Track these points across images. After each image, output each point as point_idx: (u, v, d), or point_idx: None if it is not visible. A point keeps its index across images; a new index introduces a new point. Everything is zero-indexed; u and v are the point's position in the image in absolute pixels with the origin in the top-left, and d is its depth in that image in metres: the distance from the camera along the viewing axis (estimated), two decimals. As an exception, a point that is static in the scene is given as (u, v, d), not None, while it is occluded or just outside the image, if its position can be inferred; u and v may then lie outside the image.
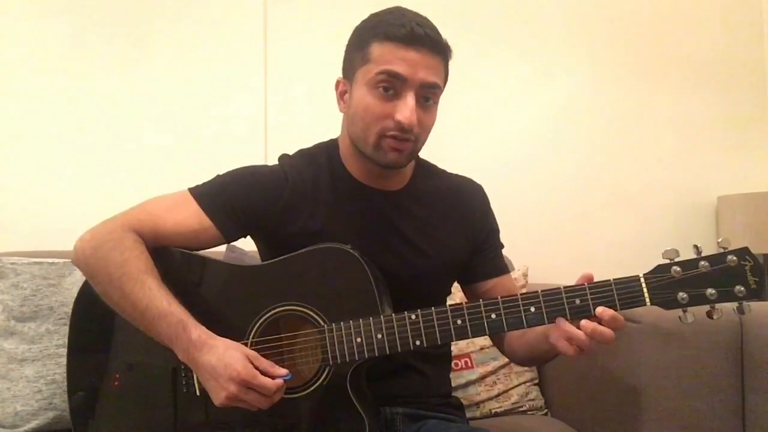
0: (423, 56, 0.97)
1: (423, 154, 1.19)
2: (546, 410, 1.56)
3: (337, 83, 1.08)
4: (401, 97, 0.98)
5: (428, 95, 1.00)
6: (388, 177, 1.09)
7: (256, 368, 0.90)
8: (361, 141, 1.03)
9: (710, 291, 0.87)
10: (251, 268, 1.07)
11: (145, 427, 1.03)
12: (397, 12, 1.01)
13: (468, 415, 1.34)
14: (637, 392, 1.23)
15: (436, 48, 0.99)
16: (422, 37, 0.96)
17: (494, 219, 1.19)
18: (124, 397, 1.04)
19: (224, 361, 0.89)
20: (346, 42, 1.06)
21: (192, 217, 1.04)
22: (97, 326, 1.07)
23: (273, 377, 0.90)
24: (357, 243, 1.01)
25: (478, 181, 1.20)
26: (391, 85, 0.97)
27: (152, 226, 1.03)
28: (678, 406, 1.21)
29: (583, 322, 0.88)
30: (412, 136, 1.00)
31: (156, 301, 0.94)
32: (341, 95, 1.07)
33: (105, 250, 0.98)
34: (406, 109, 0.97)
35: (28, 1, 1.78)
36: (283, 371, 0.91)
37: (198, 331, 0.92)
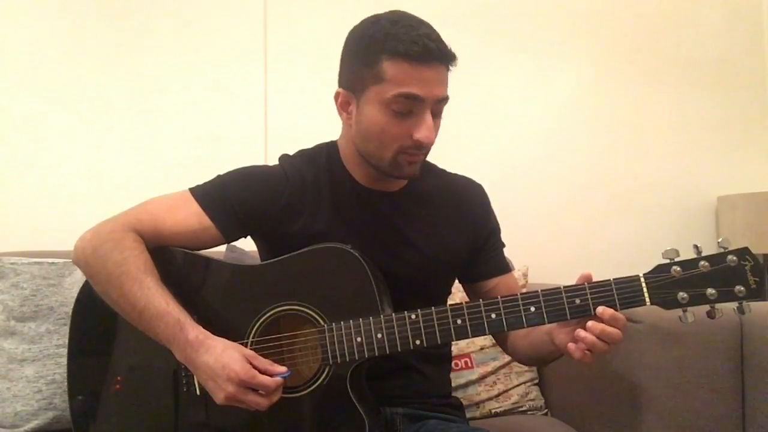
0: (436, 72, 0.96)
1: (423, 153, 1.19)
2: (546, 410, 1.56)
3: (337, 94, 1.04)
4: (418, 115, 0.96)
5: (439, 109, 1.00)
6: (390, 179, 1.09)
7: (255, 368, 0.89)
8: (375, 158, 1.02)
9: (710, 291, 0.87)
10: (251, 268, 1.07)
11: (146, 428, 1.03)
12: (404, 22, 0.96)
13: (468, 415, 1.34)
14: (637, 392, 1.23)
15: (446, 60, 0.97)
16: (435, 53, 0.94)
17: (495, 218, 1.19)
18: (126, 398, 1.04)
19: (222, 361, 0.89)
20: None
21: (192, 217, 1.04)
22: (97, 328, 1.07)
23: (272, 375, 0.90)
24: (357, 243, 1.01)
25: (478, 181, 1.20)
26: (409, 107, 0.96)
27: (152, 225, 1.03)
28: (678, 406, 1.21)
29: (590, 324, 0.88)
30: (426, 149, 1.02)
31: (154, 300, 0.94)
32: (342, 106, 1.04)
33: (105, 249, 0.98)
34: (425, 128, 0.96)
35: None
36: (282, 369, 0.91)
37: (195, 332, 0.92)
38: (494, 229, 1.18)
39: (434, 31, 0.98)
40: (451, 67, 0.99)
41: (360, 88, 0.99)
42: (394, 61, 0.94)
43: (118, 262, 0.97)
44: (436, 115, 1.00)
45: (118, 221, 1.03)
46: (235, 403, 0.89)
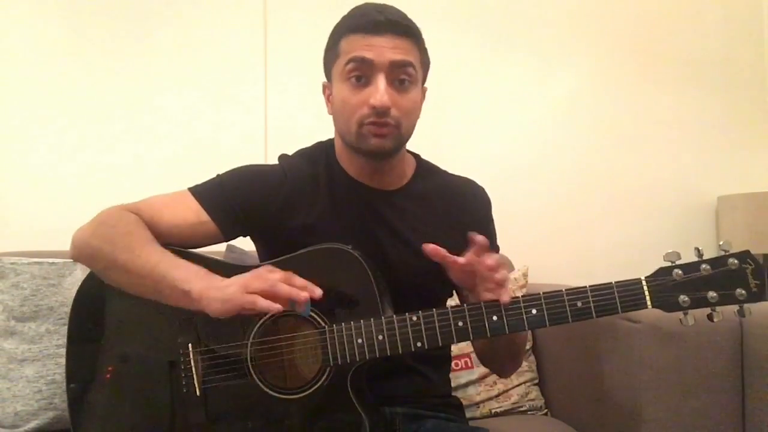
0: (388, 39, 0.99)
1: (423, 153, 1.19)
2: (546, 410, 1.57)
3: (324, 88, 1.11)
4: (372, 82, 0.99)
5: (402, 76, 1.01)
6: (384, 174, 1.09)
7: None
8: (346, 134, 1.04)
9: (711, 294, 0.87)
10: (252, 268, 1.07)
11: (138, 422, 1.03)
12: (362, 7, 1.04)
13: (468, 415, 1.34)
14: (637, 392, 1.23)
15: (400, 30, 1.00)
16: (383, 23, 0.99)
17: (493, 225, 1.18)
18: (119, 390, 1.03)
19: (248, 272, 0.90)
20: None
21: (190, 212, 1.04)
22: (95, 321, 1.06)
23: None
24: (352, 240, 1.01)
25: (479, 182, 1.19)
26: (362, 73, 0.99)
27: (150, 217, 1.03)
28: (678, 406, 1.21)
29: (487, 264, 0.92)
30: (391, 120, 1.00)
31: (170, 255, 0.94)
32: (328, 98, 1.10)
33: (107, 225, 0.99)
34: (377, 92, 0.98)
35: (27, 0, 1.77)
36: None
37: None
38: (489, 234, 1.17)
39: (391, 8, 1.02)
40: (412, 40, 1.01)
41: (329, 72, 1.06)
42: (347, 36, 1.02)
43: (124, 233, 0.97)
44: (402, 84, 1.01)
45: (115, 207, 1.03)
46: (243, 294, 0.86)
